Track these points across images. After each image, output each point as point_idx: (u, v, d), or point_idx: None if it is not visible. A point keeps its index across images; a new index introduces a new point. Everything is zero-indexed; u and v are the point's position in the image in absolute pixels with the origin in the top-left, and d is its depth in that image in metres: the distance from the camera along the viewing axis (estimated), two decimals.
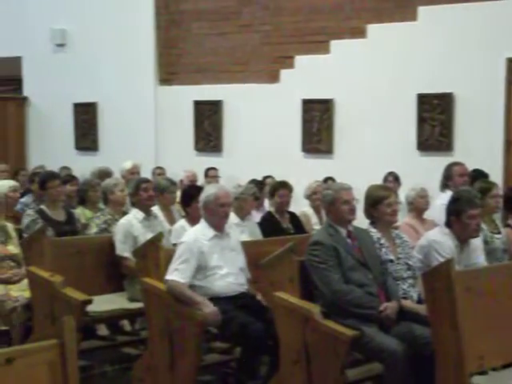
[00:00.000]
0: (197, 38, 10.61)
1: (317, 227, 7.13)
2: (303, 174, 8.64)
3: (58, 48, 11.39)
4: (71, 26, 11.27)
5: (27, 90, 11.74)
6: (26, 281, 5.47)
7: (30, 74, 11.68)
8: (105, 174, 8.47)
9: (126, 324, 6.26)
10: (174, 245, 5.66)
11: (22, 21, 11.40)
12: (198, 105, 10.54)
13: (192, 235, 4.91)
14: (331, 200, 4.64)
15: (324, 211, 5.01)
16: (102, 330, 6.09)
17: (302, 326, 4.30)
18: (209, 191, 4.99)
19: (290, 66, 9.79)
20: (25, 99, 11.74)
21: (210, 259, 4.83)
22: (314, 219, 7.59)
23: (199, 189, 6.18)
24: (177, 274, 4.72)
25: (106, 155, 10.88)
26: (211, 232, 4.91)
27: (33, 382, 2.79)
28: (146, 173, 9.12)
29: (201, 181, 9.19)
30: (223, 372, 5.30)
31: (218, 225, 4.93)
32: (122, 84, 10.90)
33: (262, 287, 4.89)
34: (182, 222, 6.01)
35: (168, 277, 4.74)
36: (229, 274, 4.86)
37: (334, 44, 9.44)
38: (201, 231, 4.93)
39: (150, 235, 5.52)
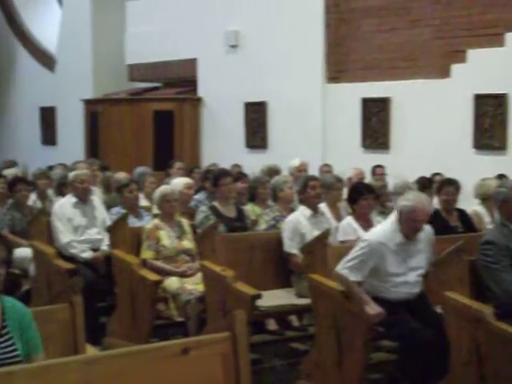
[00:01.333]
0: (365, 35, 10.57)
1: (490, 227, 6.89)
2: (474, 170, 8.39)
3: (230, 49, 11.72)
4: (244, 28, 11.55)
5: (202, 90, 12.16)
6: (199, 274, 5.69)
7: (204, 75, 12.09)
8: (274, 171, 8.63)
9: (294, 319, 6.35)
10: (342, 242, 5.69)
11: (198, 24, 11.82)
12: (366, 102, 10.50)
13: (378, 237, 4.67)
14: (505, 198, 4.49)
15: (496, 209, 4.84)
16: (272, 325, 6.21)
17: (473, 327, 4.20)
18: (408, 200, 4.65)
19: (462, 60, 9.53)
20: (199, 99, 12.17)
21: (390, 265, 4.65)
22: (488, 218, 7.33)
23: (366, 186, 6.17)
24: (350, 271, 4.60)
25: (275, 153, 11.07)
26: (399, 237, 4.66)
27: (207, 372, 2.91)
28: (313, 170, 9.21)
29: (368, 178, 9.15)
30: (391, 371, 5.26)
31: (408, 235, 4.67)
32: (291, 83, 11.05)
33: (430, 285, 4.81)
34: (349, 220, 6.01)
35: (340, 270, 4.64)
36: (406, 284, 4.70)
37: (509, 36, 9.09)
38: (389, 234, 4.66)
39: (316, 232, 5.56)
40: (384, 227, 4.77)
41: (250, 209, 7.13)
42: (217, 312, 5.25)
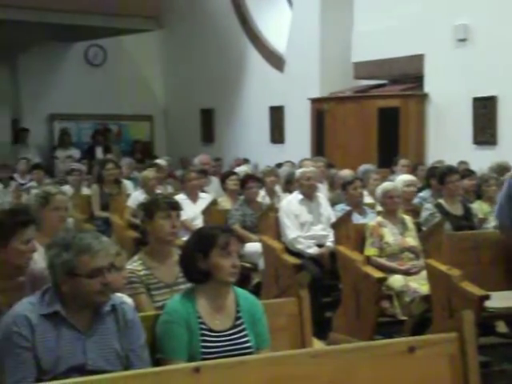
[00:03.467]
0: None
1: None
2: None
3: (459, 43, 11.41)
4: (473, 21, 11.19)
5: (428, 86, 11.95)
6: (424, 273, 5.62)
7: (431, 71, 11.86)
8: (504, 168, 8.29)
9: None
10: None
11: (425, 19, 11.62)
12: None
13: None
14: None
15: None
16: (501, 327, 5.99)
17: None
18: None
19: None
20: (425, 96, 11.96)
21: None
22: None
23: None
24: None
25: (506, 149, 10.61)
26: None
27: (432, 372, 2.88)
28: None
29: None
30: None
31: None
32: None
33: None
34: None
35: None
36: None
37: None
38: None
39: None
40: None
41: (478, 207, 6.92)
42: (442, 312, 5.16)
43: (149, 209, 4.24)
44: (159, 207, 4.19)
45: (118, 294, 3.34)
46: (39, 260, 3.78)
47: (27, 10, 11.34)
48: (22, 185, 9.79)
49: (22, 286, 3.57)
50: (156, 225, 4.15)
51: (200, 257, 3.31)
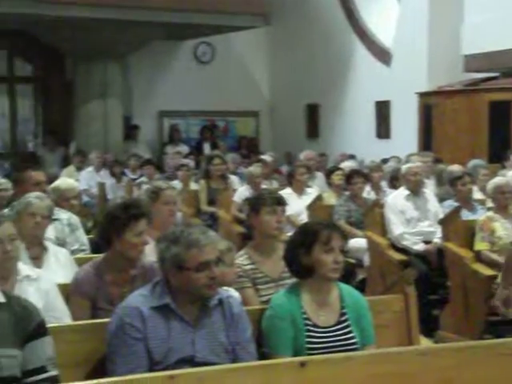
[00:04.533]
0: None
1: None
2: None
3: None
4: None
5: None
6: None
7: None
8: None
9: None
10: None
11: None
12: None
13: None
14: None
15: None
16: None
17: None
18: None
19: None
20: None
21: None
22: None
23: None
24: None
25: None
26: None
27: None
28: None
29: None
30: None
31: None
32: None
33: None
34: None
35: None
36: None
37: None
38: None
39: None
40: None
41: None
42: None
43: (255, 204, 4.28)
44: (265, 202, 4.23)
45: (225, 288, 3.40)
46: (150, 253, 3.89)
47: (139, 10, 11.66)
48: (134, 180, 10.07)
49: (134, 279, 3.69)
50: (262, 220, 4.19)
51: (303, 252, 3.33)
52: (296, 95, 15.03)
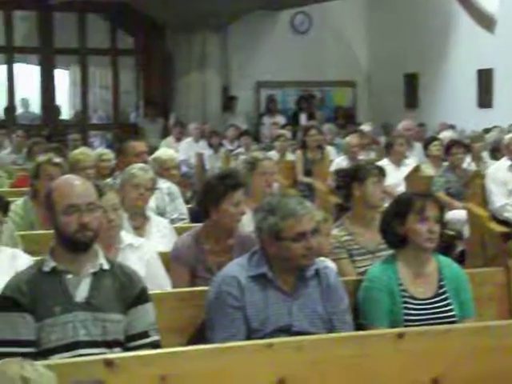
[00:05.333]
0: None
1: None
2: None
3: None
4: None
5: None
6: None
7: None
8: None
9: None
10: None
11: None
12: None
13: None
14: None
15: None
16: None
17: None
18: None
19: None
20: None
21: None
22: None
23: None
24: None
25: None
26: None
27: None
28: None
29: None
30: None
31: None
32: None
33: None
34: None
35: None
36: None
37: None
38: None
39: None
40: None
41: None
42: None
43: (359, 174, 4.23)
44: (370, 173, 4.20)
45: (321, 259, 3.41)
46: (247, 223, 3.94)
47: None
48: (231, 151, 10.17)
49: (231, 249, 3.74)
50: (366, 190, 4.16)
51: (397, 222, 3.31)
52: (394, 64, 14.78)
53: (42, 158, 4.94)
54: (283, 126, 12.45)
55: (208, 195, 3.76)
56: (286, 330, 2.99)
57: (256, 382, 2.62)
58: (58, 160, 4.83)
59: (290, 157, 9.37)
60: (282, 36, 14.99)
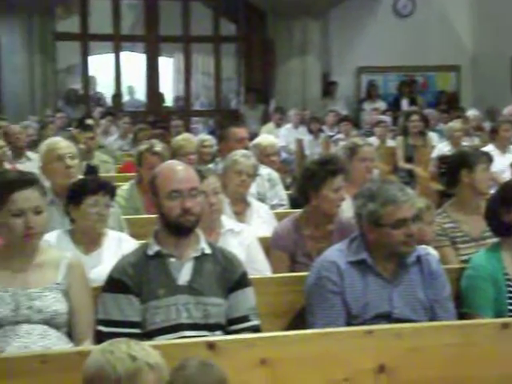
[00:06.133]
0: None
1: None
2: None
3: None
4: None
5: None
6: None
7: None
8: None
9: None
10: None
11: None
12: None
13: None
14: None
15: None
16: None
17: None
18: None
19: None
20: None
21: None
22: None
23: None
24: None
25: None
26: None
27: None
28: None
29: None
30: None
31: None
32: None
33: None
34: None
35: None
36: None
37: None
38: None
39: None
40: None
41: None
42: None
43: (468, 160, 4.12)
44: (480, 159, 4.11)
45: (423, 246, 3.37)
46: (347, 209, 3.93)
47: None
48: (331, 136, 10.13)
49: (331, 234, 3.74)
50: (476, 177, 4.06)
51: (503, 209, 3.23)
52: (501, 46, 14.32)
53: (143, 146, 5.06)
54: (384, 112, 12.30)
55: (308, 181, 3.76)
56: (386, 317, 2.97)
57: (356, 368, 2.62)
58: (157, 149, 4.93)
59: (390, 143, 9.27)
60: (384, 20, 14.78)
